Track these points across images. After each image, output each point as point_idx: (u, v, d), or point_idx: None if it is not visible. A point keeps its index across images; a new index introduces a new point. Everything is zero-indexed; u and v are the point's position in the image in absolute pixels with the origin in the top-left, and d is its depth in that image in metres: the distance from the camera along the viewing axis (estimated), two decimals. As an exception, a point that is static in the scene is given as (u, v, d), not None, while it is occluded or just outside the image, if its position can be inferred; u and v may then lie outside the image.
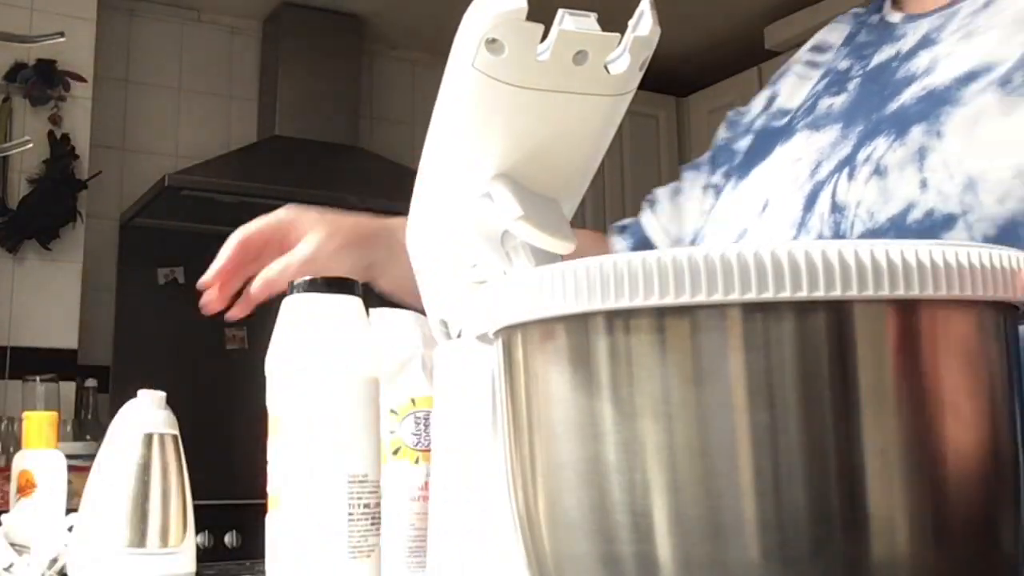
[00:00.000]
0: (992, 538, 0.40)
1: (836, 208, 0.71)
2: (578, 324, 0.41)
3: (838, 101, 0.79)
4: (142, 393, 0.88)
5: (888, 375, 0.38)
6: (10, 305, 2.97)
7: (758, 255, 0.38)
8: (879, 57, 0.78)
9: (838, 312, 0.38)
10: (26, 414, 1.04)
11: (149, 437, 0.85)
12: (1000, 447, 0.41)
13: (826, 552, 0.38)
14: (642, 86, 0.62)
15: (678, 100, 3.93)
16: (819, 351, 0.38)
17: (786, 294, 0.37)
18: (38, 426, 1.01)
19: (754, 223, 0.78)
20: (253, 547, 2.61)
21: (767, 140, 0.85)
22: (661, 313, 0.39)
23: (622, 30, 0.58)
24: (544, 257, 0.60)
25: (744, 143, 0.91)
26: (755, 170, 0.83)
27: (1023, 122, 0.62)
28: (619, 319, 0.40)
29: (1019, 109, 0.63)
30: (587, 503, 0.41)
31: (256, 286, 0.85)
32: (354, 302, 0.63)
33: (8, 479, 1.03)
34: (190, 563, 0.85)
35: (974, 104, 0.65)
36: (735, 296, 0.38)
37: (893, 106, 0.72)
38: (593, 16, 0.57)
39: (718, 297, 0.38)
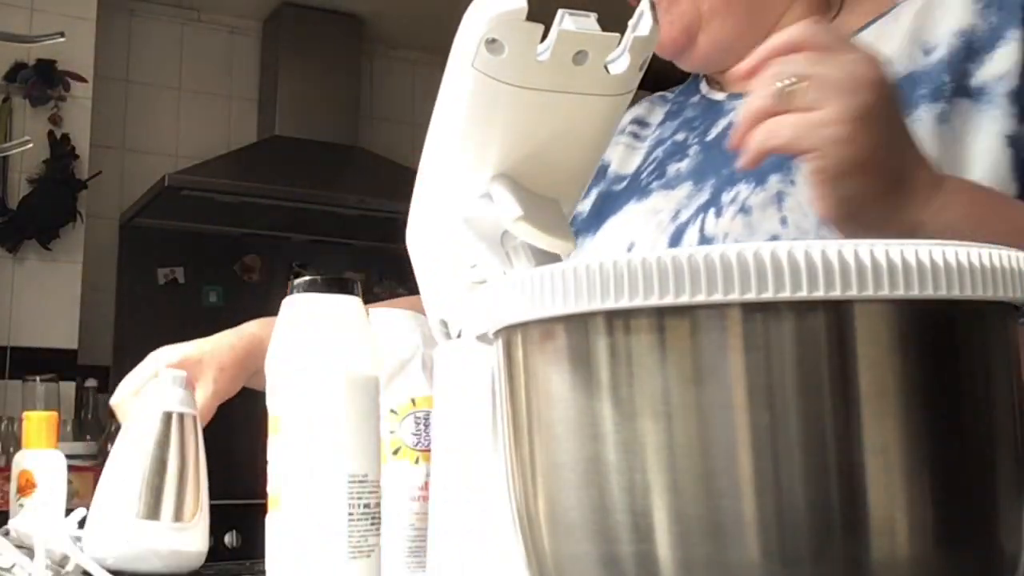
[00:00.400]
0: (992, 538, 0.40)
1: (704, 240, 0.83)
2: (578, 324, 0.41)
3: (683, 165, 0.92)
4: (163, 372, 0.90)
5: (888, 375, 0.38)
6: (10, 305, 2.97)
7: (758, 255, 0.38)
8: (715, 129, 0.92)
9: (838, 312, 0.38)
10: (26, 414, 1.04)
11: (168, 416, 0.87)
12: (1000, 447, 0.41)
13: (826, 552, 0.38)
14: (642, 86, 0.62)
15: (678, 100, 3.92)
16: (819, 351, 0.38)
17: (786, 294, 0.37)
18: (38, 426, 1.01)
19: None
20: (253, 547, 2.61)
21: (613, 200, 0.97)
22: (661, 313, 0.39)
23: (622, 30, 0.58)
24: (544, 257, 0.60)
25: (585, 204, 1.02)
26: (609, 221, 0.95)
27: None
28: (619, 319, 0.40)
29: None
30: (587, 503, 0.41)
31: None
32: (354, 302, 0.63)
33: (8, 479, 1.03)
34: (202, 541, 0.86)
35: None
36: (735, 296, 0.38)
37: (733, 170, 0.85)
38: (593, 16, 0.57)
39: (718, 297, 0.38)
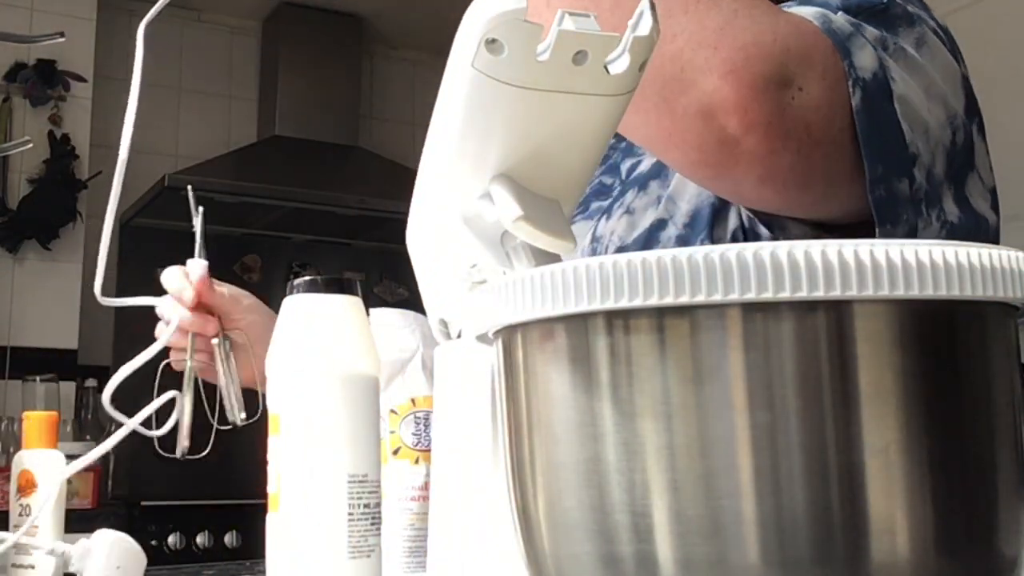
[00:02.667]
0: (993, 540, 0.40)
1: (595, 239, 0.94)
2: (578, 324, 0.41)
3: (605, 204, 1.00)
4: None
5: (888, 375, 0.38)
6: (10, 305, 2.98)
7: (758, 255, 0.38)
8: (629, 161, 1.01)
9: (838, 312, 0.38)
10: (26, 414, 1.03)
11: None
12: (1000, 447, 0.41)
13: (826, 552, 0.38)
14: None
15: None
16: (819, 351, 0.38)
17: (786, 294, 0.37)
18: (38, 426, 1.01)
19: None
20: (253, 547, 2.61)
21: None
22: (661, 313, 0.39)
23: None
24: (544, 257, 0.60)
25: None
26: None
27: None
28: (619, 319, 0.40)
29: None
30: (587, 503, 0.41)
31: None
32: (354, 302, 0.63)
33: (8, 479, 1.04)
34: None
35: None
36: (735, 296, 0.38)
37: (633, 175, 0.96)
38: (593, 16, 0.57)
39: (718, 297, 0.38)
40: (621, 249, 0.88)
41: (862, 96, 0.72)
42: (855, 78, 0.72)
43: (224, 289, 1.09)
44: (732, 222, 0.84)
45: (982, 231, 0.82)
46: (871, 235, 0.73)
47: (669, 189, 0.87)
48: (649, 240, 0.87)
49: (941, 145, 0.78)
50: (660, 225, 0.87)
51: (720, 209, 0.84)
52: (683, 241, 0.84)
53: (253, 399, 0.95)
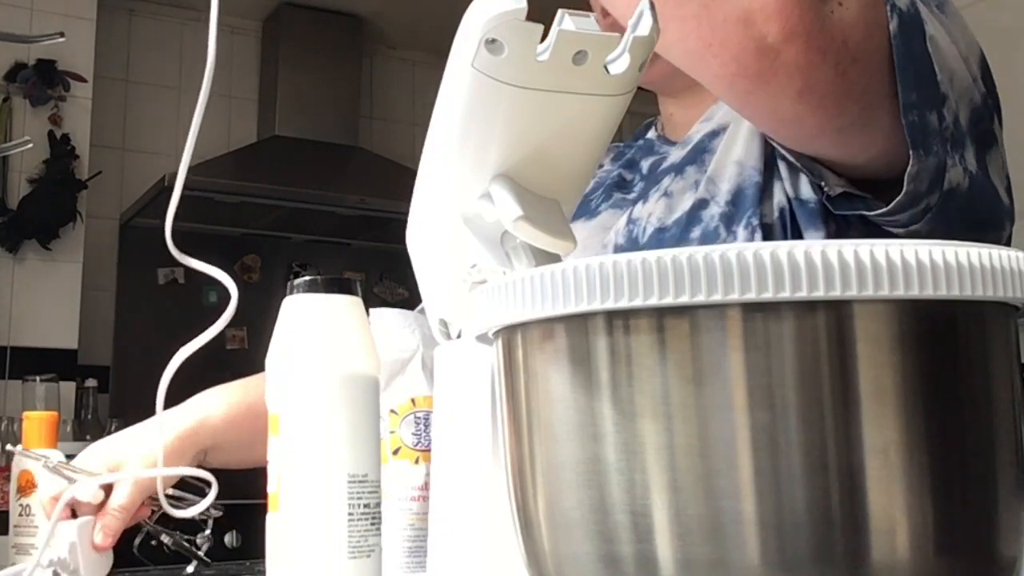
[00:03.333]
0: (993, 540, 0.40)
1: (631, 221, 0.94)
2: (578, 324, 0.41)
3: (630, 196, 1.02)
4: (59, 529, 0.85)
5: (888, 375, 0.38)
6: (10, 305, 2.98)
7: (758, 255, 0.38)
8: (646, 162, 1.05)
9: (838, 312, 0.38)
10: (26, 414, 1.03)
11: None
12: (1000, 448, 0.41)
13: (826, 552, 0.38)
14: (642, 86, 0.62)
15: (678, 100, 3.93)
16: (819, 351, 0.38)
17: (786, 294, 0.37)
18: (38, 426, 1.01)
19: None
20: (253, 547, 2.61)
21: None
22: (661, 313, 0.39)
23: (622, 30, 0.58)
24: (544, 257, 0.60)
25: None
26: None
27: (742, 148, 0.89)
28: (619, 319, 0.40)
29: (738, 143, 0.90)
30: (587, 503, 0.41)
31: (102, 541, 0.90)
32: (354, 302, 0.63)
33: (8, 479, 1.04)
34: None
35: (719, 146, 0.92)
36: (735, 296, 0.38)
37: (662, 167, 0.98)
38: (593, 16, 0.57)
39: (718, 297, 0.38)
40: (661, 230, 0.90)
41: (899, 23, 0.73)
42: (892, 4, 0.73)
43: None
44: (777, 197, 0.85)
45: (996, 206, 0.83)
46: (898, 191, 0.75)
47: (708, 171, 0.89)
48: (691, 220, 0.88)
49: (966, 99, 0.79)
50: (701, 205, 0.88)
51: (765, 187, 0.85)
52: (728, 219, 0.85)
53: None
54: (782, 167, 0.86)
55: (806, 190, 0.85)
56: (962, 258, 0.39)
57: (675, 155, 0.97)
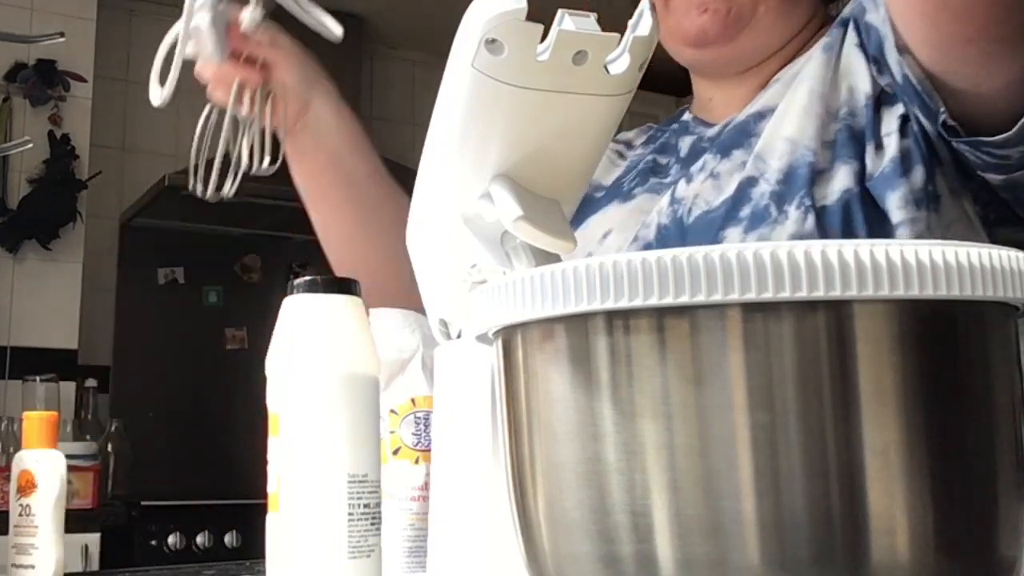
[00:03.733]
0: (993, 540, 0.40)
1: (675, 201, 0.91)
2: (578, 324, 0.41)
3: (666, 180, 1.00)
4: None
5: (888, 375, 0.38)
6: (10, 305, 2.97)
7: (758, 255, 0.38)
8: (684, 145, 1.01)
9: (838, 312, 0.38)
10: (26, 414, 1.03)
11: None
12: (1000, 448, 0.41)
13: (826, 552, 0.38)
14: (642, 86, 0.62)
15: (678, 100, 3.94)
16: (819, 351, 0.38)
17: (786, 294, 0.37)
18: (38, 426, 1.01)
19: (595, 249, 0.97)
20: (253, 547, 2.61)
21: (593, 203, 1.03)
22: (661, 313, 0.39)
23: (622, 30, 0.58)
24: (544, 257, 0.60)
25: None
26: (590, 219, 1.01)
27: (794, 127, 0.86)
28: (619, 319, 0.40)
29: (789, 121, 0.87)
30: (587, 503, 0.41)
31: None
32: (354, 302, 0.63)
33: (8, 479, 1.04)
34: None
35: (765, 128, 0.90)
36: (735, 296, 0.38)
37: (707, 144, 0.95)
38: (593, 16, 0.57)
39: (718, 297, 0.38)
40: (708, 212, 0.88)
41: None
42: None
43: (269, 37, 1.08)
44: (841, 182, 0.82)
45: None
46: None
47: (756, 148, 0.87)
48: (739, 199, 0.86)
49: None
50: (750, 183, 0.86)
51: (822, 171, 0.83)
52: (778, 197, 0.83)
53: (276, 149, 0.97)
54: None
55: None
56: (962, 258, 0.39)
57: (717, 134, 0.95)
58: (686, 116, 1.05)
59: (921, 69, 0.77)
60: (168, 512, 2.72)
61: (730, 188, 0.87)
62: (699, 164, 0.92)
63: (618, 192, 1.02)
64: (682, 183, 0.92)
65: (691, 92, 1.07)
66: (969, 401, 0.40)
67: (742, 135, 0.91)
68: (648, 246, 0.91)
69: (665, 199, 0.93)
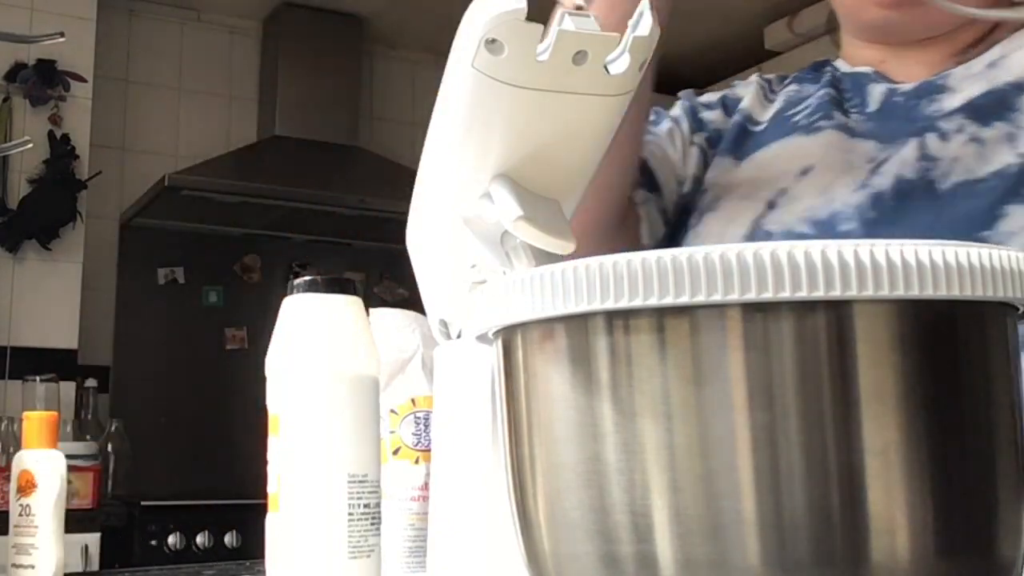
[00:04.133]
0: (993, 540, 0.40)
1: (927, 157, 0.85)
2: (578, 324, 0.41)
3: (850, 121, 0.93)
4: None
5: (888, 375, 0.38)
6: (10, 305, 2.98)
7: (758, 255, 0.38)
8: (872, 101, 0.94)
9: (838, 312, 0.38)
10: (26, 414, 1.03)
11: None
12: (1000, 448, 0.41)
13: (826, 552, 0.38)
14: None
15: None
16: (819, 351, 0.38)
17: (786, 294, 0.37)
18: (38, 426, 1.01)
19: (792, 185, 0.91)
20: (253, 547, 2.61)
21: (749, 135, 0.98)
22: (661, 313, 0.39)
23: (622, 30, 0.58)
24: (544, 257, 0.60)
25: (728, 125, 1.02)
26: (765, 150, 0.95)
27: None
28: (619, 319, 0.40)
29: None
30: (587, 503, 0.41)
31: None
32: (354, 302, 0.63)
33: (8, 479, 1.04)
34: None
35: None
36: (735, 296, 0.38)
37: (943, 110, 0.87)
38: (593, 16, 0.57)
39: (718, 297, 0.38)
40: (974, 181, 0.82)
41: None
42: None
43: None
44: None
45: None
46: None
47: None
48: (1021, 182, 0.80)
49: None
50: None
51: None
52: None
53: None
54: None
55: None
56: (962, 258, 0.39)
57: (962, 97, 0.88)
58: (864, 68, 0.97)
59: None
60: (168, 512, 2.72)
61: (1001, 161, 0.82)
62: (953, 124, 0.86)
63: (792, 127, 0.96)
64: (933, 138, 0.86)
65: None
66: (969, 401, 0.40)
67: (1001, 105, 0.85)
68: (880, 196, 0.85)
69: (910, 150, 0.86)
